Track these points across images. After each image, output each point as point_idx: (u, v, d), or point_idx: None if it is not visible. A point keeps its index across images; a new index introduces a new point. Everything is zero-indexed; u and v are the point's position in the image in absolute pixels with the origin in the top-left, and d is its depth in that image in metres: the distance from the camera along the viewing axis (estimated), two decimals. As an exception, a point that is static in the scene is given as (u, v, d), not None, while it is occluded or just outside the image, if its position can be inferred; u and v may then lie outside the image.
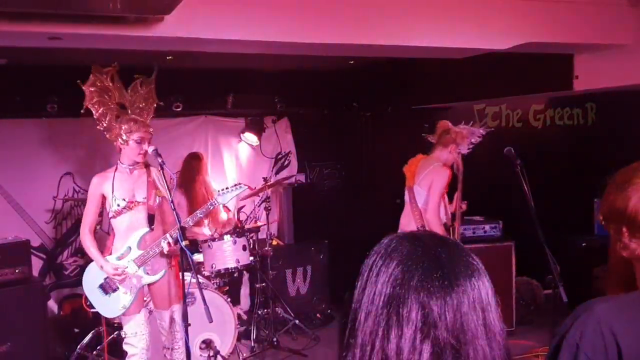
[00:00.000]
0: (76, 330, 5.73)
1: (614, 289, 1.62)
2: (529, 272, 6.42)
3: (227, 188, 4.20)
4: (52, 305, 6.03)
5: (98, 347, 5.16)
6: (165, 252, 4.07)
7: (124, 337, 4.19)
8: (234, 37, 3.73)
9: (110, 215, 4.12)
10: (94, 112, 4.10)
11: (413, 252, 1.02)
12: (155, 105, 4.29)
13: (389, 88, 6.85)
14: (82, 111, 4.13)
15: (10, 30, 3.07)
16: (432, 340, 0.96)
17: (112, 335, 5.12)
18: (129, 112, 4.11)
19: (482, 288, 1.01)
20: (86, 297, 4.34)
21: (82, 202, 5.91)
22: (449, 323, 0.97)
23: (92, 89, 4.07)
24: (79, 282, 6.26)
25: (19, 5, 2.80)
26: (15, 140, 5.89)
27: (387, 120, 7.16)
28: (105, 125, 4.12)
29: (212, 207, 4.15)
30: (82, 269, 6.21)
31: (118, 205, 4.04)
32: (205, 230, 5.89)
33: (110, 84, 4.08)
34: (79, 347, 5.20)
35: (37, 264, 5.87)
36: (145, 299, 4.47)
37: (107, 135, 4.14)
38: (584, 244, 6.18)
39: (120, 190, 4.06)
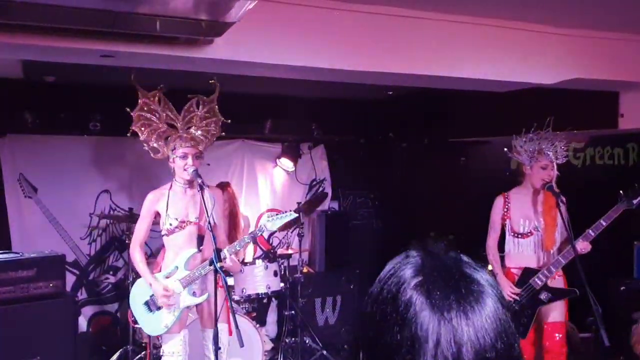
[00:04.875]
0: (104, 347, 5.74)
1: None
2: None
3: (277, 214, 4.14)
4: (82, 321, 6.03)
5: (125, 366, 5.15)
6: (225, 266, 4.03)
7: (162, 355, 4.18)
8: (281, 62, 3.76)
9: (163, 233, 4.15)
10: (140, 134, 4.13)
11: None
12: (220, 123, 4.25)
13: (426, 120, 6.81)
14: (128, 134, 4.17)
15: (66, 46, 3.14)
16: None
17: (139, 356, 5.10)
18: (179, 131, 4.13)
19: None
20: (131, 312, 4.32)
21: (118, 219, 5.97)
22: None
23: (139, 113, 4.11)
24: (109, 300, 6.32)
25: (76, 23, 2.85)
26: (57, 156, 5.97)
27: (423, 152, 7.12)
28: (152, 146, 4.15)
29: (260, 233, 4.10)
30: (114, 286, 6.30)
31: (170, 224, 4.08)
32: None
33: (158, 107, 4.12)
34: (106, 365, 5.20)
35: (69, 280, 5.88)
36: (188, 318, 4.43)
37: (154, 155, 4.17)
38: (622, 288, 6.01)
39: (174, 209, 4.09)
